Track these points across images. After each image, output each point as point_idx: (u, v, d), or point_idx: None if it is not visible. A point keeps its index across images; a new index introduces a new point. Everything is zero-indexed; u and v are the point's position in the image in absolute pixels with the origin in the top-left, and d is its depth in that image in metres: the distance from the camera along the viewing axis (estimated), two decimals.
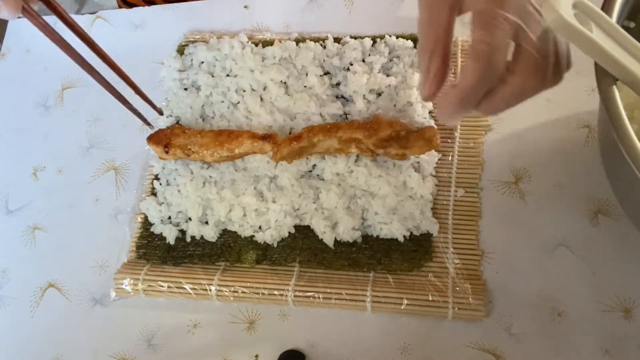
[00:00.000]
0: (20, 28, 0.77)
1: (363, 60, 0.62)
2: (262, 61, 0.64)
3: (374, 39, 0.63)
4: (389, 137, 0.54)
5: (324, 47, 0.64)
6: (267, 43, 0.66)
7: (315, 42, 0.64)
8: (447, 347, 0.50)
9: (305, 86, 0.61)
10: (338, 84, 0.62)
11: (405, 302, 0.51)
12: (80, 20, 0.75)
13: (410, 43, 0.62)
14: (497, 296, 0.51)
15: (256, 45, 0.66)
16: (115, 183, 0.64)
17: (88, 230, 0.61)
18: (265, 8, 0.71)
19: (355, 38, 0.64)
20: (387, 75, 0.61)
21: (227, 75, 0.64)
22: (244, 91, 0.63)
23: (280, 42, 0.65)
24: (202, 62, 0.65)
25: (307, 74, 0.61)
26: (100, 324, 0.57)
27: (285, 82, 0.62)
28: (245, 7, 0.71)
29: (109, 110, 0.68)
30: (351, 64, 0.62)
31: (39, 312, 0.59)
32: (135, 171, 0.64)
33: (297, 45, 0.64)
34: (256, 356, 0.53)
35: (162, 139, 0.59)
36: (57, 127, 0.69)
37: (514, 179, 0.56)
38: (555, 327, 0.49)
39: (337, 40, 0.64)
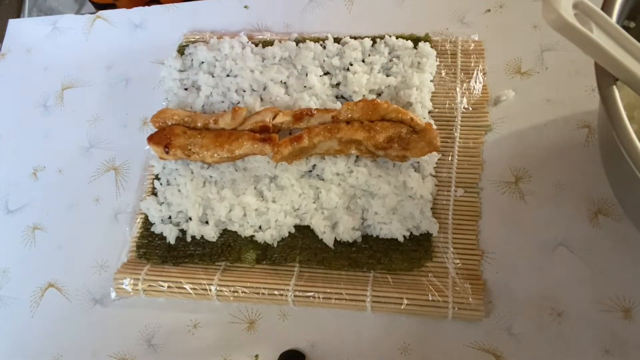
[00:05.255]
0: (21, 28, 0.77)
1: (363, 61, 0.62)
2: (262, 61, 0.64)
3: (374, 39, 0.63)
4: (390, 139, 0.54)
5: (324, 47, 0.64)
6: (267, 43, 0.66)
7: (315, 42, 0.64)
8: (447, 347, 0.50)
9: (305, 86, 0.61)
10: (338, 84, 0.62)
11: (405, 302, 0.51)
12: (80, 20, 0.76)
13: (410, 43, 0.62)
14: (497, 296, 0.51)
15: (256, 45, 0.66)
16: (115, 183, 0.64)
17: (88, 230, 0.61)
18: (265, 8, 0.71)
19: (355, 38, 0.64)
20: (387, 76, 0.61)
21: (227, 76, 0.64)
22: (244, 91, 0.63)
23: (281, 42, 0.65)
24: (202, 62, 0.65)
25: (307, 74, 0.61)
26: (100, 324, 0.57)
27: (285, 82, 0.62)
28: (246, 7, 0.71)
29: (109, 110, 0.68)
30: (351, 64, 0.62)
31: (39, 312, 0.59)
32: (135, 171, 0.63)
33: (297, 45, 0.64)
34: (256, 356, 0.53)
35: (162, 140, 0.59)
36: (57, 127, 0.69)
37: (514, 179, 0.56)
38: (555, 327, 0.49)
39: (337, 40, 0.64)
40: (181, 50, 0.68)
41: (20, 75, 0.73)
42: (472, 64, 0.61)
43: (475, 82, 0.60)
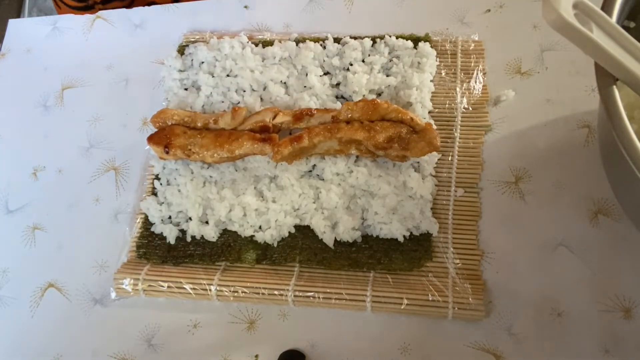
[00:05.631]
0: (21, 28, 0.77)
1: (363, 61, 0.62)
2: (262, 61, 0.64)
3: (374, 39, 0.63)
4: (390, 139, 0.54)
5: (324, 47, 0.64)
6: (267, 43, 0.66)
7: (315, 42, 0.64)
8: (447, 347, 0.50)
9: (305, 86, 0.61)
10: (338, 84, 0.62)
11: (405, 302, 0.51)
12: (80, 20, 0.76)
13: (410, 43, 0.62)
14: (497, 296, 0.51)
15: (256, 45, 0.66)
16: (115, 183, 0.64)
17: (88, 230, 0.61)
18: (265, 8, 0.71)
19: (355, 38, 0.64)
20: (387, 75, 0.61)
21: (228, 76, 0.64)
22: (244, 91, 0.63)
23: (280, 42, 0.65)
24: (202, 62, 0.65)
25: (307, 74, 0.61)
26: (100, 324, 0.57)
27: (285, 82, 0.62)
28: (246, 7, 0.71)
29: (109, 110, 0.68)
30: (351, 64, 0.62)
31: (39, 312, 0.59)
32: (135, 171, 0.63)
33: (297, 45, 0.64)
34: (256, 356, 0.53)
35: (162, 140, 0.58)
36: (57, 127, 0.69)
37: (514, 179, 0.56)
38: (555, 327, 0.49)
39: (337, 40, 0.64)
40: (181, 50, 0.68)
41: (20, 75, 0.73)
42: (472, 64, 0.61)
43: (475, 82, 0.60)
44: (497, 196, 0.55)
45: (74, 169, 0.65)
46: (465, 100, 0.60)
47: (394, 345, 0.51)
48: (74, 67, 0.72)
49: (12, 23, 0.78)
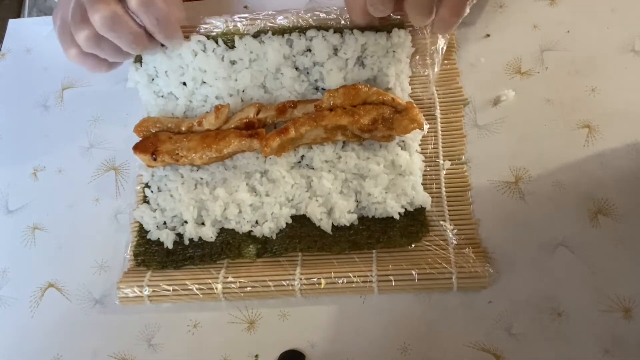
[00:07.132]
0: (21, 28, 0.77)
1: (335, 50, 0.59)
2: (232, 65, 0.61)
3: (341, 32, 0.59)
4: (374, 121, 0.54)
5: (291, 46, 0.60)
6: (224, 35, 0.62)
7: (277, 34, 0.60)
8: (447, 347, 0.50)
9: (282, 83, 0.60)
10: (316, 80, 0.60)
11: (411, 276, 0.51)
12: None
13: (383, 40, 0.58)
14: (497, 296, 0.51)
15: (216, 41, 0.62)
16: (115, 183, 0.64)
17: (88, 230, 0.61)
18: (265, 8, 0.71)
19: (319, 29, 0.59)
20: (362, 65, 0.59)
21: (204, 82, 0.62)
22: (223, 99, 0.61)
23: (241, 39, 0.61)
24: (167, 71, 0.62)
25: (282, 74, 0.60)
26: (100, 324, 0.57)
27: (263, 84, 0.61)
28: (245, 7, 0.71)
29: (109, 110, 0.68)
30: (323, 64, 0.59)
31: (39, 312, 0.59)
32: (135, 171, 0.63)
33: (260, 41, 0.60)
34: (256, 356, 0.53)
35: (148, 147, 0.58)
36: (57, 127, 0.69)
37: (514, 179, 0.56)
38: (555, 327, 0.49)
39: (301, 30, 0.60)
40: (139, 58, 0.63)
41: (20, 75, 0.73)
42: (438, 43, 0.60)
43: (440, 59, 0.61)
44: (497, 196, 0.55)
45: (74, 169, 0.65)
46: (436, 77, 0.60)
47: (394, 345, 0.51)
48: (74, 67, 0.72)
49: (12, 23, 0.78)
